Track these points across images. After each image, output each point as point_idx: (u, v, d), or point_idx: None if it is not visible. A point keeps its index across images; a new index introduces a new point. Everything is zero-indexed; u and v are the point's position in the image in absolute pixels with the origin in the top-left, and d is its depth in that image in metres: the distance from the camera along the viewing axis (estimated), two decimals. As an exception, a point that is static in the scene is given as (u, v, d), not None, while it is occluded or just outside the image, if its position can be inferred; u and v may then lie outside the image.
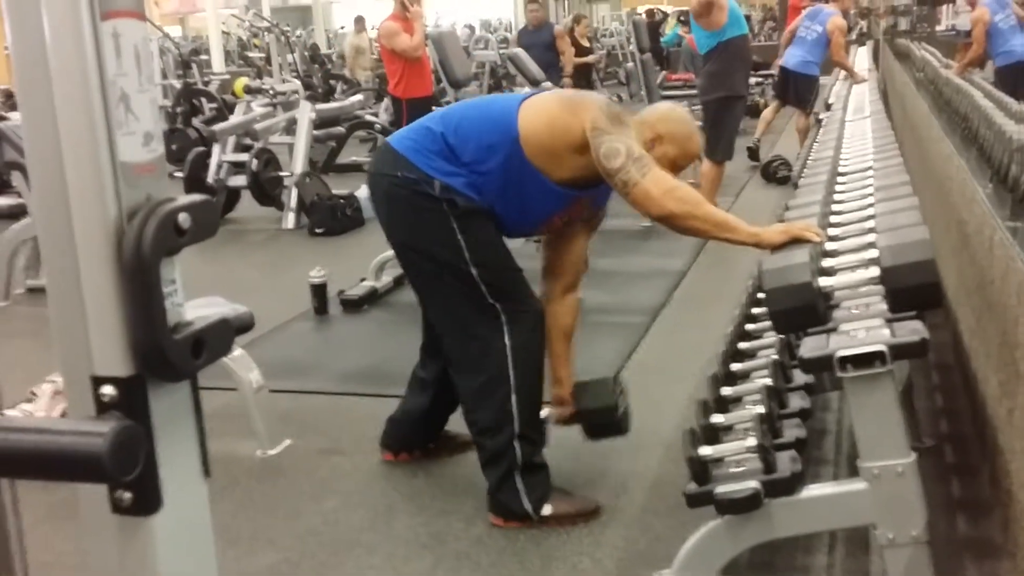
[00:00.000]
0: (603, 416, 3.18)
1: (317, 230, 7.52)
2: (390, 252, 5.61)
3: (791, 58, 8.97)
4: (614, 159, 2.75)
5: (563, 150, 2.85)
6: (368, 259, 5.73)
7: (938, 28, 13.61)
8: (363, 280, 5.64)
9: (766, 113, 9.49)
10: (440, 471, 3.39)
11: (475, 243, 2.90)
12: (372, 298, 5.55)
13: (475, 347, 2.97)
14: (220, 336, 1.18)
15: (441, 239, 2.89)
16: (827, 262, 2.50)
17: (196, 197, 1.11)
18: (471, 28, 21.48)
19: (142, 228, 1.04)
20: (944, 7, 13.78)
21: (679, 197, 2.74)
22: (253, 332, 1.42)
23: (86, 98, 1.01)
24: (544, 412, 3.13)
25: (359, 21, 16.75)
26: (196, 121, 9.98)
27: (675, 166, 2.98)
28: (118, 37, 1.02)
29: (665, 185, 2.75)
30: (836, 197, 3.17)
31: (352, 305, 5.45)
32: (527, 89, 3.20)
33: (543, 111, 2.90)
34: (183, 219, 1.08)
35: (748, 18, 17.60)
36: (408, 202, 2.89)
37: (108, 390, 1.10)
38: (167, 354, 1.09)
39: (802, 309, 2.29)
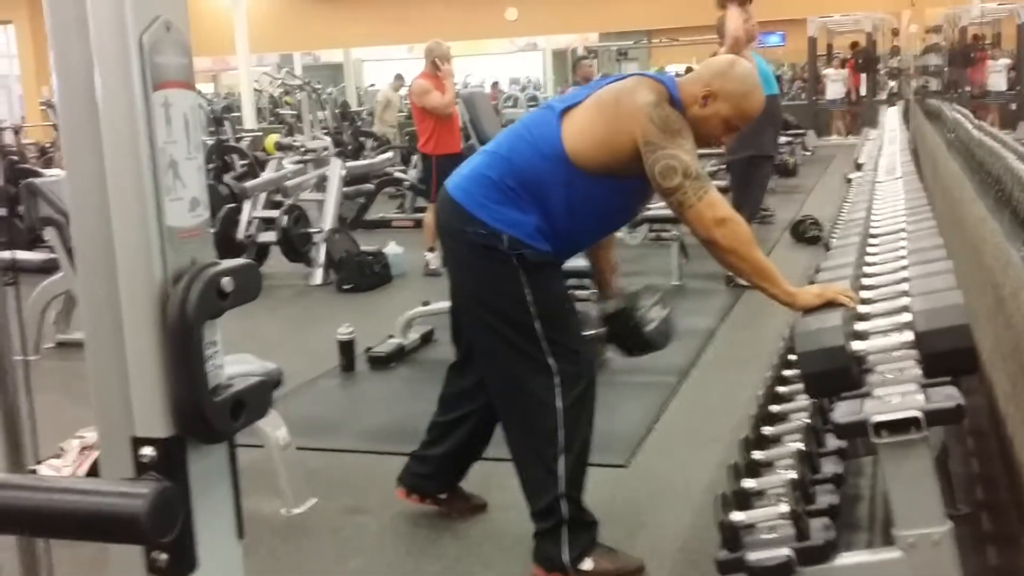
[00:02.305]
0: (627, 335, 3.23)
1: (345, 286, 7.55)
2: (418, 309, 5.67)
3: None
4: (670, 179, 2.72)
5: (623, 161, 2.82)
6: (396, 316, 5.74)
7: (967, 88, 13.65)
8: (391, 337, 5.64)
9: None
10: (466, 532, 3.37)
11: (541, 296, 2.91)
12: (399, 355, 5.55)
13: (527, 406, 2.97)
14: (259, 398, 1.19)
15: (509, 293, 2.90)
16: (860, 325, 2.49)
17: (239, 261, 1.13)
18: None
19: (187, 292, 1.06)
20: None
21: (731, 230, 2.73)
22: (280, 388, 1.43)
23: (136, 164, 1.04)
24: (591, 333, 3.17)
25: (398, 78, 17.09)
26: (227, 177, 10.09)
27: (729, 126, 2.90)
28: (168, 106, 1.05)
29: (719, 213, 2.73)
30: (868, 259, 3.16)
31: (379, 362, 5.45)
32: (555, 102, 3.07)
33: (588, 133, 2.84)
34: (226, 283, 1.09)
35: (779, 78, 17.74)
36: (478, 258, 2.91)
37: (148, 451, 1.11)
38: (207, 416, 1.10)
39: (835, 373, 2.27)
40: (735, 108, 2.87)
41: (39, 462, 3.49)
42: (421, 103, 7.73)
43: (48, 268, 6.28)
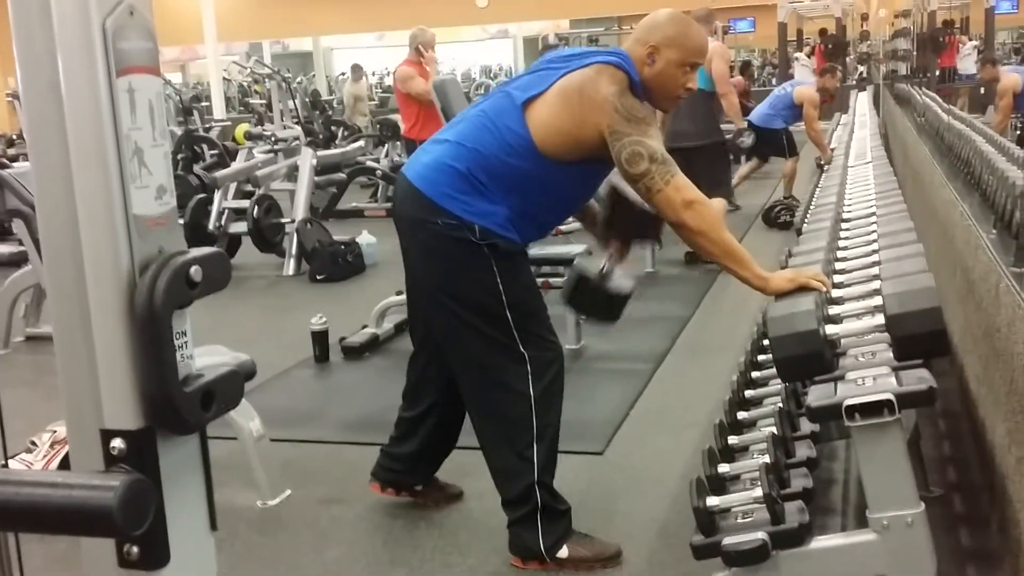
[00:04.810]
0: (599, 303, 3.20)
1: (318, 276, 7.52)
2: (392, 298, 5.65)
3: (754, 114, 9.23)
4: (637, 165, 2.73)
5: (590, 149, 2.83)
6: (369, 305, 5.72)
7: (936, 72, 13.71)
8: (364, 327, 5.63)
9: (743, 169, 9.76)
10: (442, 521, 3.37)
11: (512, 286, 2.91)
12: (373, 345, 5.53)
13: (499, 394, 2.97)
14: (230, 388, 1.18)
15: (480, 283, 2.89)
16: (833, 309, 2.50)
17: (207, 250, 1.12)
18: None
19: (154, 281, 1.04)
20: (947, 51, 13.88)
21: (699, 212, 2.73)
22: (254, 380, 1.42)
23: (101, 152, 1.02)
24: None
25: (356, 69, 16.96)
26: (197, 168, 10.01)
27: (685, 68, 2.88)
28: (133, 92, 1.03)
29: (687, 196, 2.73)
30: (840, 244, 3.17)
31: (353, 352, 5.44)
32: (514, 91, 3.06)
33: (554, 125, 2.83)
34: (195, 272, 1.08)
35: (748, 63, 17.83)
36: (449, 248, 2.88)
37: (118, 443, 1.09)
38: (178, 407, 1.09)
39: (808, 357, 2.28)
40: (682, 49, 2.87)
41: (10, 457, 3.46)
42: (405, 89, 7.68)
43: (16, 261, 6.23)
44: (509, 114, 2.88)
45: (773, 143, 9.09)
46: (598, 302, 3.20)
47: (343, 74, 25.70)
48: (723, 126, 7.66)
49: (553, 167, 2.85)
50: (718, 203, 7.13)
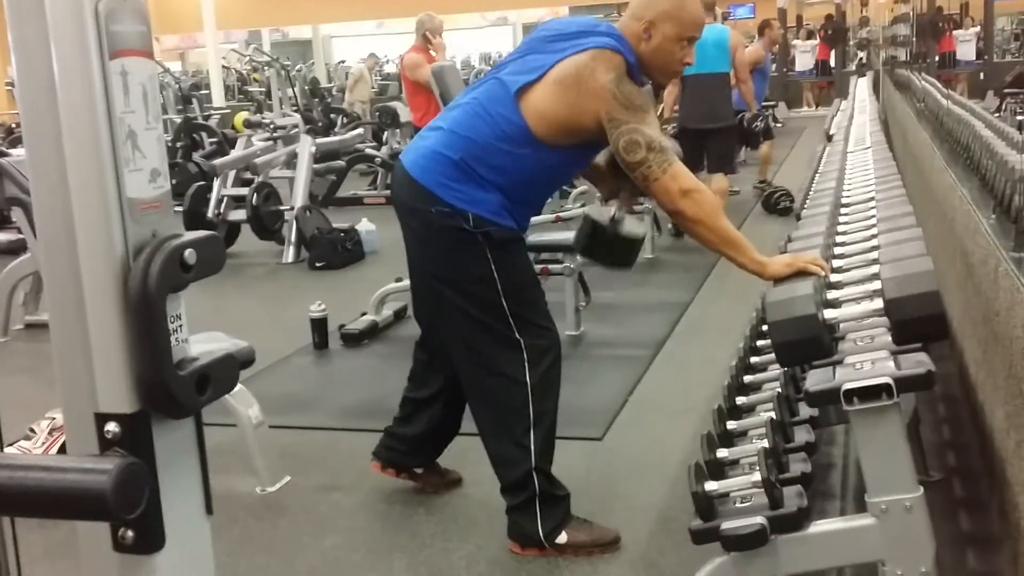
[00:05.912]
0: (615, 247, 3.19)
1: (317, 264, 7.52)
2: (391, 286, 5.64)
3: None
4: (635, 153, 2.73)
5: (588, 134, 2.83)
6: (369, 293, 5.72)
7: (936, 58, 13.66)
8: (364, 314, 5.62)
9: None
10: (441, 508, 3.37)
11: (507, 273, 2.90)
12: (373, 332, 5.53)
13: (496, 382, 2.97)
14: (225, 372, 1.17)
15: (475, 271, 2.89)
16: (831, 294, 2.50)
17: (202, 233, 1.11)
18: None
19: (148, 265, 1.04)
20: (944, 38, 13.82)
21: (696, 201, 2.73)
22: (253, 367, 1.42)
23: (94, 135, 1.02)
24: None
25: (372, 56, 17.14)
26: (196, 155, 10.00)
27: (682, 42, 2.86)
28: (126, 75, 1.03)
29: (684, 184, 2.73)
30: (839, 228, 3.17)
31: (353, 339, 5.43)
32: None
33: (550, 113, 2.81)
34: (189, 255, 1.07)
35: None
36: (444, 237, 2.88)
37: (112, 427, 1.09)
38: (172, 390, 1.09)
39: (807, 342, 2.28)
40: (678, 23, 2.84)
41: (9, 444, 3.46)
42: (413, 77, 7.60)
43: (15, 249, 6.21)
44: (503, 102, 2.85)
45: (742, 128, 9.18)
46: (612, 249, 3.19)
47: (342, 62, 25.66)
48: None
49: (549, 150, 2.84)
50: (721, 180, 7.20)
